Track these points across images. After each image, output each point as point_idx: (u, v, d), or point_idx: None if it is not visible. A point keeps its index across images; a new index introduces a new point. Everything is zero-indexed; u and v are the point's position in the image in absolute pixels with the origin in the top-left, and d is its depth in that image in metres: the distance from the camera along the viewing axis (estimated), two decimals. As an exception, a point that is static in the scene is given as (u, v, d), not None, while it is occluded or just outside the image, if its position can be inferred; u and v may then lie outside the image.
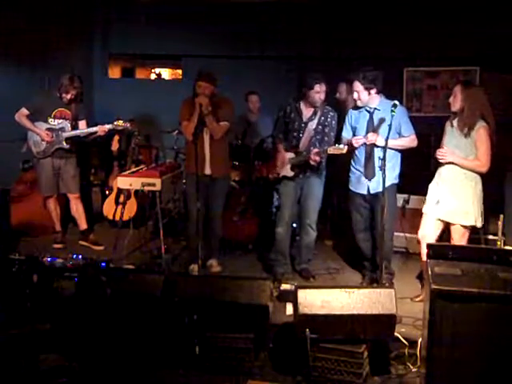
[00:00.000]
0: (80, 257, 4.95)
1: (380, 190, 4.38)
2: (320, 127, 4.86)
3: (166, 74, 9.70)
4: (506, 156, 5.66)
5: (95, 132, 5.56)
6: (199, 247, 4.69)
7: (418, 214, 4.70)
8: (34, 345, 3.74)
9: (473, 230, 4.35)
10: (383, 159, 4.21)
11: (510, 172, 5.56)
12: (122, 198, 6.14)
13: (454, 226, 4.29)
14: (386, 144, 4.24)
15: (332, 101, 5.33)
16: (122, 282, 4.01)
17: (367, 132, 4.58)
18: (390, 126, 4.25)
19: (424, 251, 4.33)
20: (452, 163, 4.25)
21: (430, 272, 3.22)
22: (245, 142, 6.40)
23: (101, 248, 5.72)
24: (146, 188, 5.37)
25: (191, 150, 4.80)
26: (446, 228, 4.40)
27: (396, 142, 4.54)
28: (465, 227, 4.26)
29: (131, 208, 6.16)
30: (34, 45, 6.59)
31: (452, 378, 3.16)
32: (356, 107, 4.71)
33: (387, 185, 4.36)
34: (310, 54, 7.08)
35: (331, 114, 4.90)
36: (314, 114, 4.86)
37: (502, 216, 4.93)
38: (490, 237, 5.15)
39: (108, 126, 5.54)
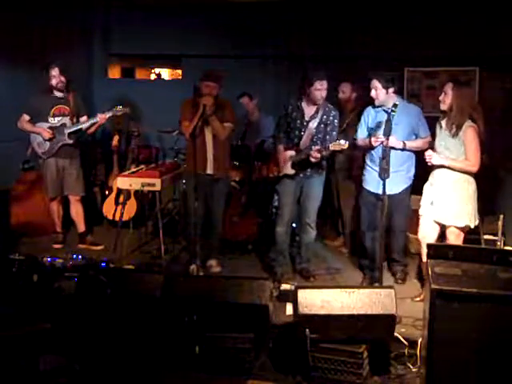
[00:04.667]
0: (80, 257, 4.96)
1: (394, 191, 4.54)
2: (322, 126, 4.85)
3: (166, 74, 9.70)
4: (506, 156, 5.68)
5: (96, 122, 5.58)
6: (197, 247, 4.70)
7: (417, 213, 4.70)
8: (34, 345, 3.73)
9: (470, 230, 4.35)
10: (383, 158, 4.23)
11: (509, 172, 5.56)
12: (121, 198, 6.15)
13: (449, 228, 4.29)
14: (387, 144, 4.27)
15: (334, 100, 5.33)
16: (122, 281, 4.01)
17: (384, 132, 4.60)
18: (390, 126, 4.26)
19: (424, 252, 4.35)
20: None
21: (430, 272, 3.23)
22: (245, 142, 6.40)
23: (100, 248, 5.72)
24: (146, 188, 5.37)
25: (191, 149, 4.81)
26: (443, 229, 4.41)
27: (413, 144, 4.59)
28: (459, 228, 4.25)
29: (131, 208, 6.16)
30: (34, 45, 6.58)
31: (452, 378, 3.16)
32: (374, 106, 4.74)
33: (403, 187, 4.56)
34: (311, 53, 7.07)
35: (333, 112, 4.88)
36: (316, 112, 4.84)
37: (501, 216, 4.93)
38: (490, 237, 5.15)
39: (108, 114, 5.55)
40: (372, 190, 4.71)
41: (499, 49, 6.29)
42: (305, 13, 6.98)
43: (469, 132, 4.11)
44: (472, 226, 4.26)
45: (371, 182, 4.72)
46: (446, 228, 4.31)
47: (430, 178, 4.40)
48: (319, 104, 4.81)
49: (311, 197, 4.94)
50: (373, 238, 4.80)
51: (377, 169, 4.63)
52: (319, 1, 6.88)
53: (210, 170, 5.03)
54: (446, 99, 4.19)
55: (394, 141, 4.51)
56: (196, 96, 4.91)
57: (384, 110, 4.60)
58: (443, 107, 4.22)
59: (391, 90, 4.59)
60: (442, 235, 4.42)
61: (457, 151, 4.18)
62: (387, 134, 4.45)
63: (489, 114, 6.50)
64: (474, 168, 4.15)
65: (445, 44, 6.45)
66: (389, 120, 4.51)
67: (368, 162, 4.78)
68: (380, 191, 4.61)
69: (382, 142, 4.51)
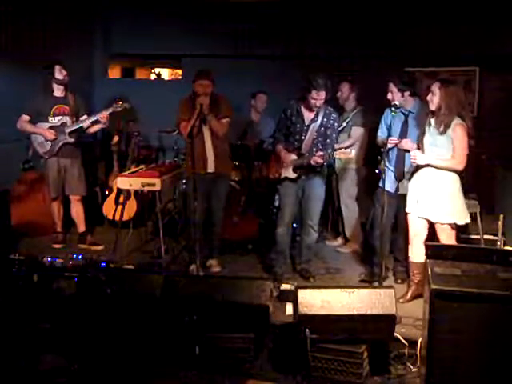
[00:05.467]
0: (80, 257, 4.95)
1: (407, 191, 4.50)
2: (322, 129, 4.85)
3: (166, 73, 9.70)
4: (506, 155, 5.68)
5: (97, 120, 5.57)
6: (197, 247, 4.70)
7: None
8: (34, 345, 3.74)
9: (470, 230, 4.34)
10: (382, 159, 4.23)
11: (509, 172, 5.56)
12: (121, 198, 6.14)
13: (439, 226, 4.28)
14: (387, 144, 4.27)
15: (333, 99, 5.33)
16: (122, 281, 4.01)
17: (401, 133, 4.64)
18: (389, 126, 4.27)
19: (413, 250, 4.39)
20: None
21: (430, 272, 3.23)
22: (245, 141, 6.40)
23: (100, 248, 5.72)
24: (146, 188, 5.37)
25: (190, 149, 4.82)
26: (432, 227, 4.41)
27: None
28: (449, 226, 4.24)
29: (131, 208, 6.16)
30: (34, 45, 6.58)
31: (452, 377, 3.17)
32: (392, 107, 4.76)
33: None
34: (311, 53, 7.08)
35: (334, 115, 4.88)
36: (316, 115, 4.83)
37: (502, 216, 4.93)
38: (490, 237, 5.15)
39: (108, 110, 5.54)
40: (386, 189, 4.72)
41: (499, 49, 6.29)
42: (305, 13, 6.99)
43: (457, 130, 4.11)
44: (460, 223, 4.25)
45: (387, 180, 4.73)
46: (435, 225, 4.30)
47: (416, 175, 4.40)
48: (314, 111, 4.80)
49: (313, 198, 4.94)
50: (378, 234, 4.81)
51: (392, 168, 4.70)
52: (319, 1, 6.88)
53: (211, 169, 5.03)
54: (434, 99, 4.19)
55: (408, 143, 4.55)
56: (194, 96, 4.91)
57: (402, 113, 4.65)
58: (432, 107, 4.22)
59: (407, 93, 4.62)
60: (434, 233, 4.41)
61: (445, 148, 4.18)
62: (402, 135, 4.51)
63: (489, 113, 6.54)
64: (460, 166, 4.14)
65: (445, 44, 6.45)
66: (406, 122, 4.57)
67: (385, 161, 4.80)
68: (393, 190, 4.70)
69: (396, 144, 4.56)
